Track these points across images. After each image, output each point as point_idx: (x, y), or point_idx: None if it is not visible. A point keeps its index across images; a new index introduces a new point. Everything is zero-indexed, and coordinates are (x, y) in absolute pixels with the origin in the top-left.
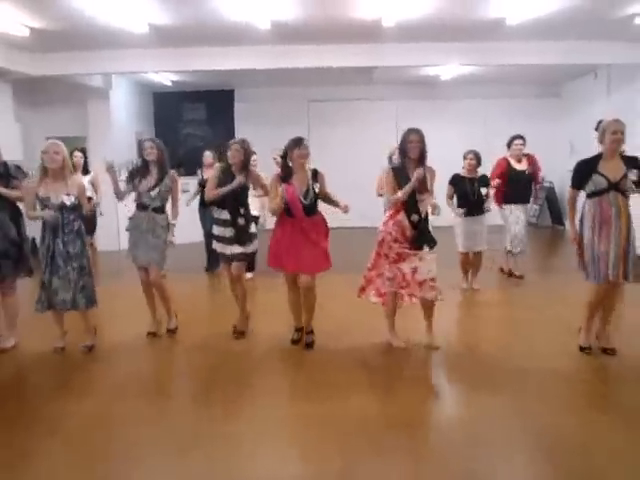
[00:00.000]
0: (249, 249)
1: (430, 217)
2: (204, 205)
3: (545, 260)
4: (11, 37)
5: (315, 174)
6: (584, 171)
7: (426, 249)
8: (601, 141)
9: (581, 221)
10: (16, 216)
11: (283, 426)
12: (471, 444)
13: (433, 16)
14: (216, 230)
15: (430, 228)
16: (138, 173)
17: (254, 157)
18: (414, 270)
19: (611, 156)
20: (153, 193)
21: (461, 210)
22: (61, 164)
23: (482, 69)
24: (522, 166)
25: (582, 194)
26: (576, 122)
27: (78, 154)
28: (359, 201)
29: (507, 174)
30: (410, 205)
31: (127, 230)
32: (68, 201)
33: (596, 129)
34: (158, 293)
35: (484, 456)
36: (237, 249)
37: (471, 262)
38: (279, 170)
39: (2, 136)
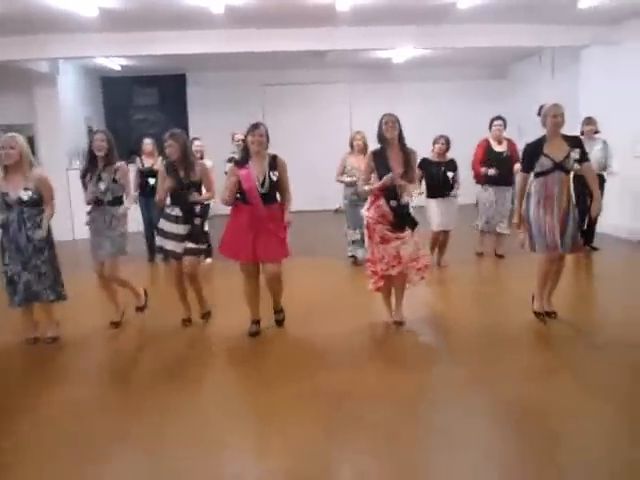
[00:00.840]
0: (202, 245)
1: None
2: (144, 195)
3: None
4: None
5: (274, 161)
6: (531, 154)
7: (408, 231)
8: (544, 124)
9: (527, 200)
10: None
11: (261, 410)
12: (437, 411)
13: (386, 0)
14: (165, 226)
15: (411, 210)
16: (87, 168)
17: (197, 143)
18: (397, 252)
19: (554, 137)
20: (102, 187)
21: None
22: (18, 158)
23: (432, 52)
24: (502, 148)
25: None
26: (522, 103)
27: None
28: (314, 184)
29: (487, 156)
30: (389, 191)
31: (86, 224)
32: (25, 196)
33: (538, 114)
34: (117, 283)
35: (450, 422)
36: (190, 245)
37: (441, 241)
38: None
39: None
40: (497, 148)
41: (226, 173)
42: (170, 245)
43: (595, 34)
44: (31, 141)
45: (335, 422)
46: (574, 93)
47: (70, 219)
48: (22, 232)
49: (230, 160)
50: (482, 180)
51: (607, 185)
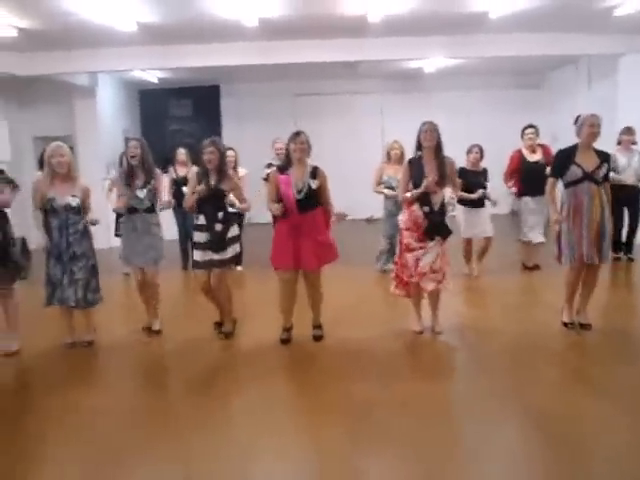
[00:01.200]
0: (227, 255)
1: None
2: (179, 204)
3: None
4: None
5: (315, 171)
6: (563, 160)
7: (434, 241)
8: (578, 134)
9: (560, 211)
10: (1, 220)
11: (289, 415)
12: (465, 420)
13: (418, 11)
14: (195, 236)
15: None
16: (125, 176)
17: (230, 153)
18: (417, 261)
19: (586, 148)
20: (141, 194)
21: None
22: (67, 167)
23: (465, 61)
24: (536, 157)
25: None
26: (558, 113)
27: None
28: (346, 193)
29: (521, 167)
30: (422, 196)
31: (118, 234)
32: (74, 202)
33: (575, 123)
34: (150, 292)
35: (478, 432)
36: (215, 256)
37: (481, 248)
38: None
39: None
40: (531, 158)
41: (265, 179)
42: (197, 255)
43: (632, 42)
44: (71, 152)
45: (365, 430)
46: (612, 102)
47: (107, 228)
48: (63, 238)
49: (269, 166)
50: (519, 192)
51: None
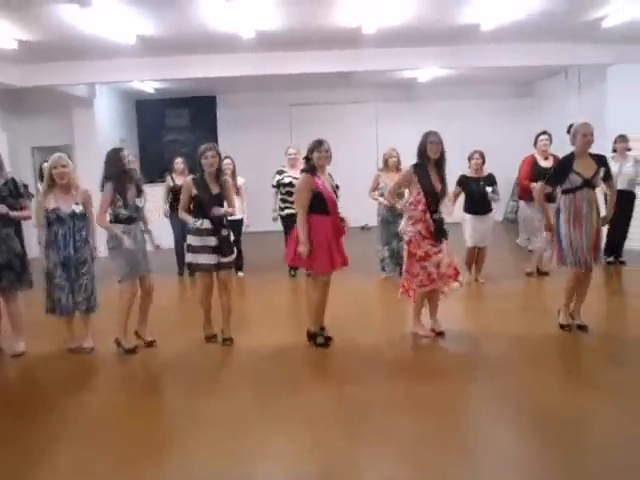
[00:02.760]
0: (233, 257)
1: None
2: (175, 210)
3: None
4: None
5: (330, 177)
6: (562, 170)
7: (443, 242)
8: (573, 142)
9: (557, 215)
10: (19, 231)
11: (289, 412)
12: (464, 422)
13: (411, 22)
14: (196, 241)
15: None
16: (122, 185)
17: (227, 161)
18: (438, 264)
19: (583, 155)
20: (140, 203)
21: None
22: (69, 177)
23: (457, 71)
24: (548, 163)
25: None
26: (549, 121)
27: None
28: (341, 202)
29: (533, 171)
30: (434, 206)
31: (115, 246)
32: (77, 209)
33: (568, 132)
34: (148, 299)
35: (477, 433)
36: (223, 259)
37: (477, 257)
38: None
39: None
40: (543, 164)
41: (276, 187)
42: (203, 258)
43: (620, 52)
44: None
45: (363, 429)
46: (601, 111)
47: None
48: (70, 245)
49: (280, 172)
50: (527, 196)
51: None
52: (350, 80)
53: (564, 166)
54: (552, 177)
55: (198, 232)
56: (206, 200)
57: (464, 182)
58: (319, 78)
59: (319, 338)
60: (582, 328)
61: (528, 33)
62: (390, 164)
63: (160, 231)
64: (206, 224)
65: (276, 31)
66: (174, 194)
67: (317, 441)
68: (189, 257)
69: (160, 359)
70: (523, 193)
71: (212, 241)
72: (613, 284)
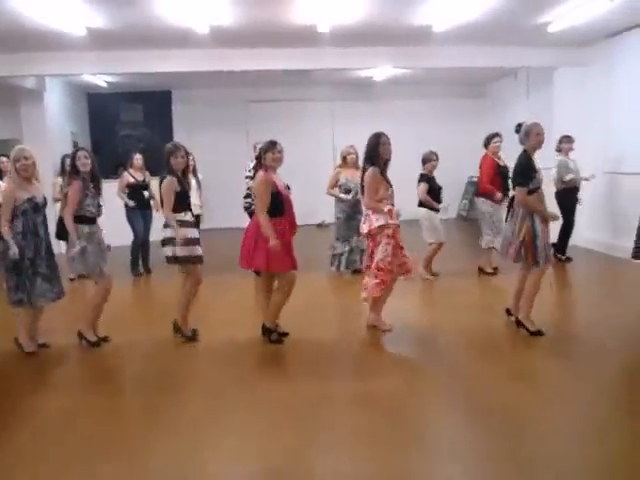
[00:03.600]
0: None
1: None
2: (140, 208)
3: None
4: None
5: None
6: (529, 170)
7: None
8: (524, 141)
9: (531, 217)
10: None
11: (242, 410)
12: (414, 415)
13: (365, 22)
14: (184, 233)
15: None
16: (83, 185)
17: (191, 157)
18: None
19: (533, 155)
20: (101, 202)
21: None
22: (34, 168)
23: (413, 71)
24: (502, 163)
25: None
26: (500, 121)
27: (3, 159)
28: (298, 199)
29: (496, 172)
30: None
31: (82, 247)
32: (44, 200)
33: (516, 131)
34: (106, 299)
35: (426, 422)
36: (199, 251)
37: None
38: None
39: None
40: (501, 163)
41: (249, 178)
42: (199, 250)
43: (565, 56)
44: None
45: (312, 425)
46: (548, 112)
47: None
48: (42, 235)
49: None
50: (491, 196)
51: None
52: (308, 78)
53: (530, 165)
54: (525, 177)
55: (186, 224)
56: (188, 193)
57: (428, 181)
58: (277, 75)
59: (274, 335)
60: (521, 324)
61: (479, 36)
62: (349, 161)
63: (107, 230)
64: (189, 216)
65: (230, 27)
66: (135, 190)
67: (267, 438)
68: (183, 250)
69: (117, 358)
70: (486, 192)
71: (196, 233)
72: (560, 280)
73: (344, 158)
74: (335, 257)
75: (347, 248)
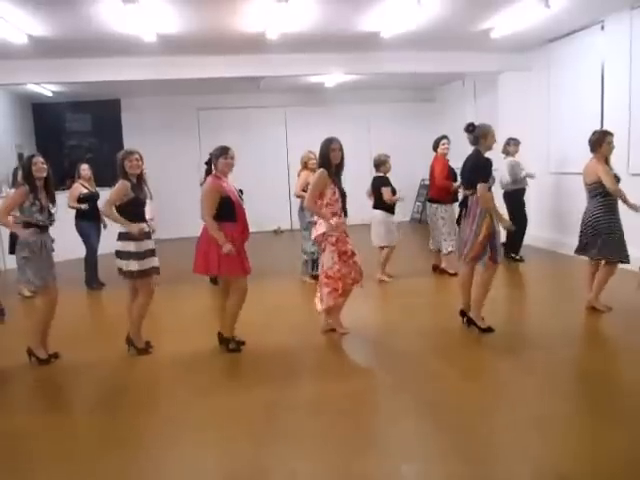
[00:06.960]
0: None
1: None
2: (91, 219)
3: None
4: None
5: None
6: (489, 169)
7: None
8: (478, 142)
9: (491, 215)
10: None
11: (198, 418)
12: (367, 415)
13: (314, 29)
14: (137, 246)
15: None
16: (34, 193)
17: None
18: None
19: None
20: (53, 210)
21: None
22: None
23: (363, 76)
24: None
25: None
26: (449, 125)
27: None
28: (252, 206)
29: (449, 172)
30: (344, 206)
31: (28, 254)
32: None
33: (466, 130)
34: (53, 312)
35: (384, 423)
36: (156, 262)
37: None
38: None
39: None
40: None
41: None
42: (156, 262)
43: (508, 61)
44: None
45: (268, 430)
46: (494, 115)
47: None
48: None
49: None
50: (449, 198)
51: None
52: (259, 85)
53: (489, 161)
54: (487, 173)
55: (146, 236)
56: (142, 202)
57: (386, 182)
58: (227, 83)
59: (231, 343)
60: (472, 322)
61: (425, 42)
62: (310, 166)
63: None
64: (144, 226)
65: (178, 35)
66: (87, 201)
67: (224, 445)
68: (136, 264)
69: (67, 375)
70: (441, 194)
71: (151, 244)
72: (510, 279)
73: (305, 164)
74: (307, 263)
75: (316, 255)
